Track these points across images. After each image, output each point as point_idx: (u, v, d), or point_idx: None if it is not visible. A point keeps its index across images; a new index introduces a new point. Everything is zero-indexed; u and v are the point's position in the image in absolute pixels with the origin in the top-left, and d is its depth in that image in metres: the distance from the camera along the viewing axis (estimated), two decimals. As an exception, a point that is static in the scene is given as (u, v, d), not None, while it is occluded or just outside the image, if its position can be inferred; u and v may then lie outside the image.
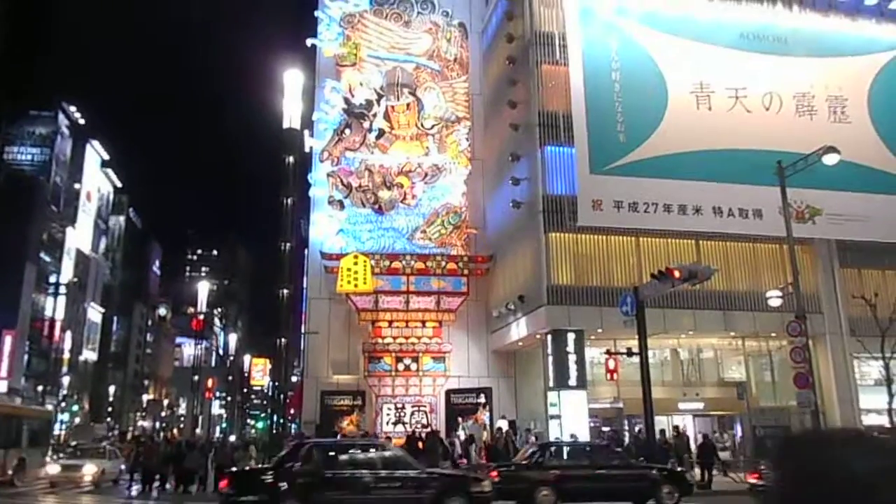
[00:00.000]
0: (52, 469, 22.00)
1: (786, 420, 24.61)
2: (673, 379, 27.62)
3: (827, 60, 28.88)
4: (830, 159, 19.61)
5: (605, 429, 25.10)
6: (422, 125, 31.70)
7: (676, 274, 15.13)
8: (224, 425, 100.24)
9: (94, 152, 76.75)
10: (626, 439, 24.07)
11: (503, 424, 24.81)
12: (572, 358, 23.65)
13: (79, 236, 71.06)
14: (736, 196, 25.53)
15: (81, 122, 73.81)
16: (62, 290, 61.30)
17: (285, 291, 33.73)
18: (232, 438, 65.93)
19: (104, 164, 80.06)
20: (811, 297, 25.01)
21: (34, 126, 67.92)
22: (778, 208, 21.41)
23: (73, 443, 37.04)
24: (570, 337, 23.88)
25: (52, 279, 62.38)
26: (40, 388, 57.84)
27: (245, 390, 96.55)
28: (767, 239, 25.75)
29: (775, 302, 21.08)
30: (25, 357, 58.87)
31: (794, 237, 19.87)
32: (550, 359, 24.14)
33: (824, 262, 27.38)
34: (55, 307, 59.99)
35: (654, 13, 27.90)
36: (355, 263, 28.74)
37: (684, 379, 27.67)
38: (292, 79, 35.28)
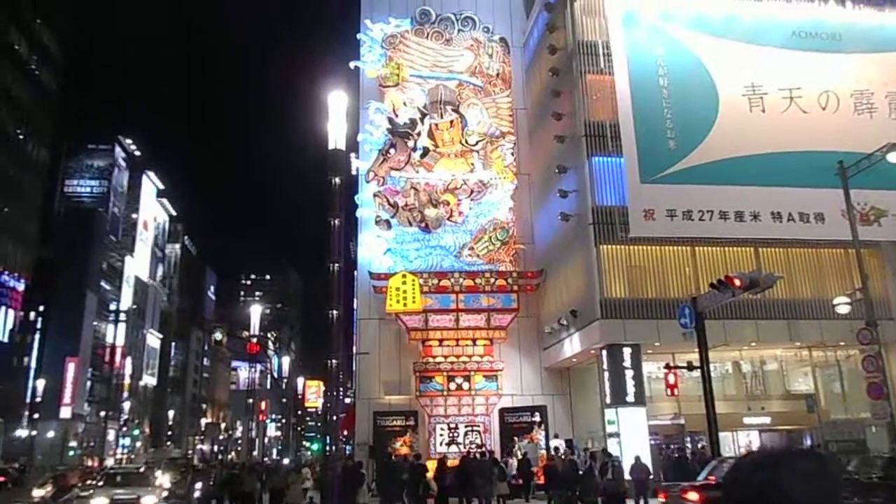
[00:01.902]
0: (99, 501, 18.74)
1: (860, 433, 23.33)
2: (736, 393, 26.54)
3: (885, 56, 27.67)
4: (895, 157, 18.72)
5: (670, 446, 24.18)
6: (466, 142, 31.56)
7: (737, 283, 14.41)
8: (280, 447, 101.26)
9: (150, 182, 79.17)
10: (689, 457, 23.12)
11: (559, 444, 24.15)
12: (629, 373, 22.90)
13: (137, 264, 73.19)
14: (795, 200, 24.52)
15: (137, 153, 76.27)
16: (122, 317, 63.14)
17: (335, 313, 33.80)
18: (286, 461, 66.45)
19: (160, 193, 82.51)
20: (881, 302, 23.73)
21: (92, 159, 70.50)
22: (841, 211, 20.50)
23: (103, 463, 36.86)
24: (627, 351, 23.15)
25: (113, 307, 64.35)
26: (102, 413, 59.37)
27: (300, 412, 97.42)
28: (831, 243, 24.65)
29: (843, 309, 20.06)
30: (88, 383, 60.64)
31: (859, 240, 18.96)
32: (606, 375, 23.44)
33: (893, 266, 26.05)
34: (116, 334, 61.71)
35: (701, 16, 27.22)
36: (403, 283, 28.62)
37: (748, 393, 26.57)
38: (336, 100, 35.65)
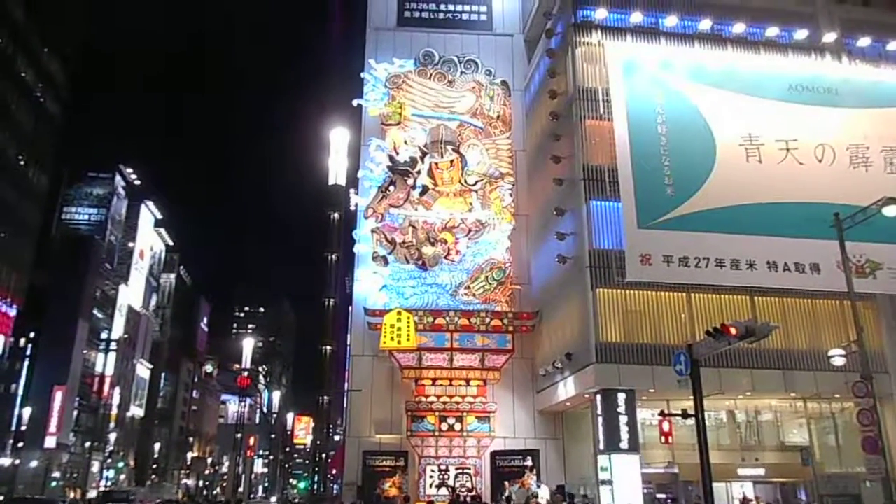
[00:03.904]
0: None
1: (855, 488, 23.03)
2: (730, 443, 26.25)
3: (881, 111, 28.14)
4: (891, 211, 18.83)
5: (661, 495, 23.79)
6: (465, 181, 31.78)
7: (733, 331, 14.30)
8: (266, 484, 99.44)
9: (149, 212, 79.18)
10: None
11: (543, 492, 23.68)
12: (623, 419, 22.66)
13: (131, 293, 72.76)
14: (791, 250, 24.63)
15: (137, 182, 76.46)
16: (113, 346, 62.50)
17: (328, 348, 33.64)
18: (273, 499, 65.16)
19: (157, 223, 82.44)
20: (876, 355, 23.68)
21: (92, 187, 70.65)
22: (836, 262, 20.56)
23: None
24: (621, 397, 22.94)
25: (104, 336, 63.72)
26: (87, 444, 58.35)
27: (287, 449, 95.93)
28: (826, 294, 24.68)
29: (838, 361, 19.98)
30: (74, 413, 59.72)
31: (855, 292, 18.96)
32: (600, 420, 23.19)
33: (888, 319, 26.07)
34: (105, 363, 61.01)
35: (700, 67, 27.73)
36: (398, 320, 28.52)
37: (742, 443, 26.27)
38: (338, 137, 36.02)
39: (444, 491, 26.75)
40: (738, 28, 28.55)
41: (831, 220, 19.27)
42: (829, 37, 29.07)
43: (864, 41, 29.54)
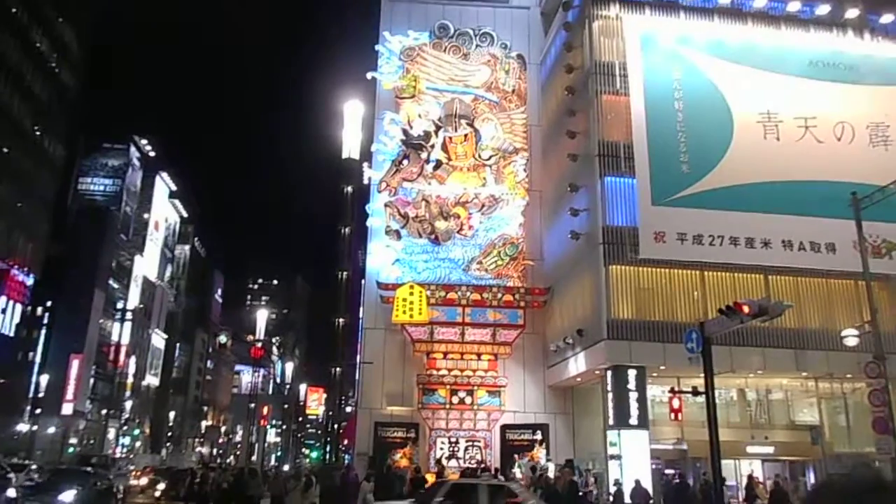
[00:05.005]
0: None
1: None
2: (740, 420, 26.28)
3: (902, 89, 27.65)
4: (910, 191, 18.65)
5: (669, 471, 23.95)
6: (479, 156, 31.65)
7: (746, 309, 14.27)
8: (279, 453, 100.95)
9: (163, 183, 79.53)
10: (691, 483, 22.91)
11: (549, 465, 23.90)
12: (633, 396, 22.75)
13: (146, 264, 73.44)
14: (807, 229, 24.45)
15: (152, 154, 76.71)
16: (129, 316, 63.17)
17: (341, 321, 33.87)
18: (285, 468, 66.24)
19: (172, 194, 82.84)
20: (889, 336, 23.42)
21: (107, 158, 70.89)
22: (852, 242, 20.43)
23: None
24: (632, 373, 23.01)
25: (120, 305, 64.44)
26: (104, 411, 59.39)
27: (300, 419, 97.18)
28: (841, 274, 24.49)
29: (851, 341, 19.92)
30: (91, 381, 60.70)
31: (870, 273, 18.83)
32: (610, 396, 23.32)
33: (903, 300, 25.86)
34: (121, 333, 61.72)
35: (718, 42, 27.32)
36: (411, 293, 28.64)
37: (752, 421, 26.31)
38: (352, 110, 35.89)
39: (453, 462, 27.06)
40: (759, 2, 28.03)
41: (848, 199, 19.10)
42: (852, 12, 28.49)
43: (887, 17, 28.94)
